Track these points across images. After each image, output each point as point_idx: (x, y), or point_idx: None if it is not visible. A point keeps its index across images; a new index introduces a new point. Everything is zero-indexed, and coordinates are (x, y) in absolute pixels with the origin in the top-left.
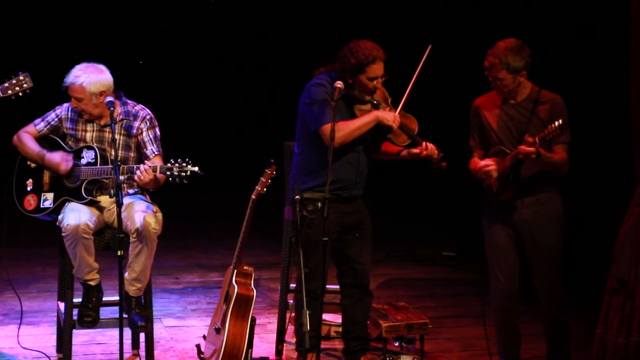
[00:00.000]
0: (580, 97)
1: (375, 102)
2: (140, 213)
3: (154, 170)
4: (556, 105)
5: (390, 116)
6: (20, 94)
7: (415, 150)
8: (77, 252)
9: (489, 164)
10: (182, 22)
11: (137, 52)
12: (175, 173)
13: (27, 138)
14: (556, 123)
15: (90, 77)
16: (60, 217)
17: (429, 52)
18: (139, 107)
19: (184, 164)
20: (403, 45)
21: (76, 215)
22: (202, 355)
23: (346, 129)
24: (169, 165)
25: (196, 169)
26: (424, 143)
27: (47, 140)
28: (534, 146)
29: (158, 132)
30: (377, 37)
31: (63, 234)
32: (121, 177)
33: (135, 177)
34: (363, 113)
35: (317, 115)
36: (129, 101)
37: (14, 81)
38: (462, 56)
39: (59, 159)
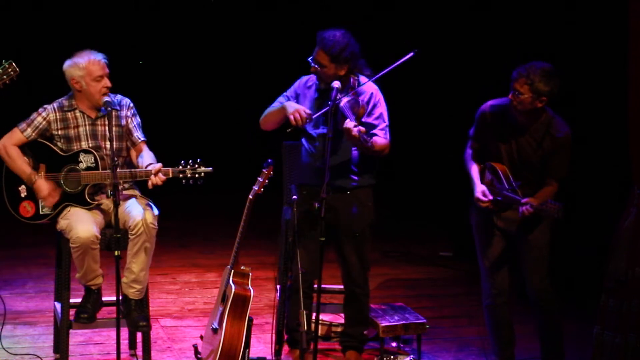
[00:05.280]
0: (580, 97)
1: (321, 88)
2: (139, 209)
3: (166, 174)
4: (562, 144)
5: (292, 109)
6: (8, 82)
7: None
8: (85, 262)
9: (483, 200)
10: (182, 21)
11: (137, 52)
12: (189, 175)
13: (16, 153)
14: (555, 207)
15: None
16: (63, 224)
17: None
18: (119, 95)
19: (196, 166)
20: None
21: (85, 227)
22: (199, 356)
23: (266, 113)
24: (180, 167)
25: (210, 169)
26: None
27: (34, 145)
28: (529, 212)
29: (139, 119)
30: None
31: (72, 245)
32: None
33: (149, 184)
34: (325, 98)
35: None
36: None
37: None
38: (460, 56)
39: (46, 193)
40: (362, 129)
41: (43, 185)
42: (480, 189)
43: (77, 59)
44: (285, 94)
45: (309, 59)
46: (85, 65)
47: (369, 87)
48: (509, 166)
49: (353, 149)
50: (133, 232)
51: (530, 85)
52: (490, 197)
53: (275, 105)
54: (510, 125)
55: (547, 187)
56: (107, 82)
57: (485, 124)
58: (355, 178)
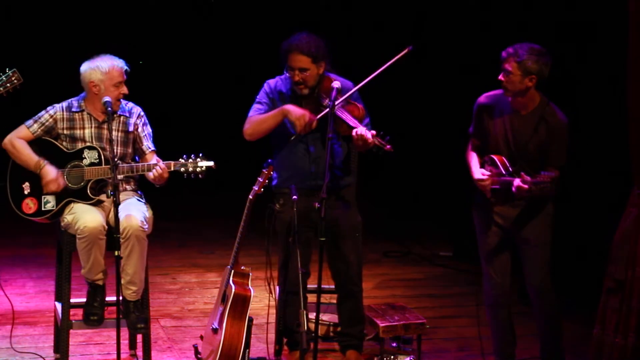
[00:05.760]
0: (579, 97)
1: (304, 95)
2: (127, 212)
3: (167, 167)
4: (558, 130)
5: (298, 112)
6: (11, 91)
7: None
8: (92, 254)
9: (483, 180)
10: (182, 21)
11: (137, 52)
12: (190, 169)
13: (22, 144)
14: (549, 176)
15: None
16: (69, 218)
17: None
18: (130, 103)
19: (198, 159)
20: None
21: (91, 217)
22: (199, 356)
23: (254, 122)
24: (182, 161)
25: (211, 163)
26: (355, 129)
27: (40, 143)
28: (527, 190)
29: (150, 129)
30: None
31: (79, 237)
32: (120, 176)
33: (150, 176)
34: (307, 103)
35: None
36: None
37: (3, 78)
38: (459, 54)
39: (54, 177)
40: (374, 132)
41: (51, 170)
42: (479, 171)
43: (100, 63)
44: (261, 100)
45: (285, 71)
46: (108, 71)
47: (345, 84)
48: (506, 155)
49: (337, 148)
50: (122, 236)
51: (518, 63)
52: (489, 173)
53: (255, 113)
54: (505, 112)
55: None
56: (124, 89)
57: (482, 115)
58: (343, 176)
